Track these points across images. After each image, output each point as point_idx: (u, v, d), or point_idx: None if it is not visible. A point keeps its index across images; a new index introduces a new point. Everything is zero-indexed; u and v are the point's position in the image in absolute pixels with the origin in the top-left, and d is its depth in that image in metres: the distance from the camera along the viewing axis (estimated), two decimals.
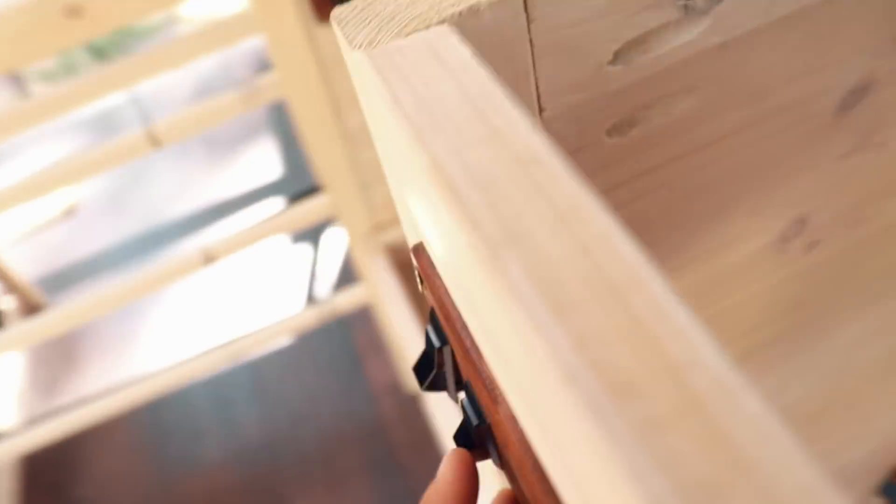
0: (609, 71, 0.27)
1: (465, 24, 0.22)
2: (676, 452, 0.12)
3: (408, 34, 0.21)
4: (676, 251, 0.37)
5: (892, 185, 0.43)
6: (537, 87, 0.25)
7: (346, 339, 1.56)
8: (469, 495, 0.25)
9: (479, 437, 0.25)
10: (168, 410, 1.50)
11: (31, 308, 1.66)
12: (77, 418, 1.27)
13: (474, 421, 0.24)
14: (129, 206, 1.91)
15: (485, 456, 0.26)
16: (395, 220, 1.18)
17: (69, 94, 0.88)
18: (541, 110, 0.26)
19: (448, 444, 1.36)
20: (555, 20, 0.24)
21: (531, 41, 0.24)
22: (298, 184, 1.84)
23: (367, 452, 1.39)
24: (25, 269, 1.77)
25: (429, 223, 0.20)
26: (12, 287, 1.63)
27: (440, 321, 0.25)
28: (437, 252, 0.21)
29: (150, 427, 1.48)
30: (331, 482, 1.36)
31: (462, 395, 0.25)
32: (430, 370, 0.27)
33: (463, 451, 0.26)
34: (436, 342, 0.26)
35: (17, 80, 2.28)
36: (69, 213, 1.91)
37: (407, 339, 1.04)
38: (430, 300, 0.26)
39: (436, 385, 0.28)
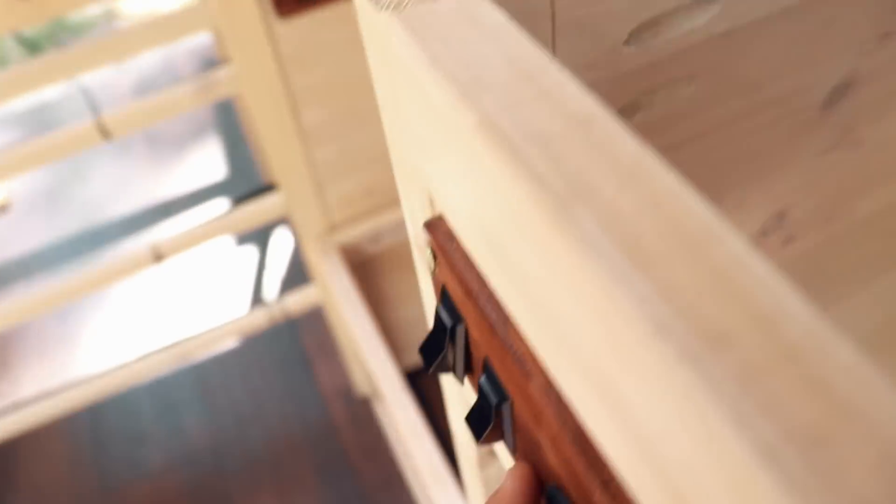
0: (622, 52, 0.27)
1: None
2: (778, 399, 0.12)
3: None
4: None
5: (866, 183, 0.44)
6: None
7: (294, 341, 1.53)
8: None
9: (496, 417, 0.24)
10: (109, 416, 1.44)
11: None
12: (10, 424, 1.21)
13: (493, 400, 0.24)
14: (67, 203, 1.83)
15: (497, 438, 0.25)
16: (349, 221, 1.16)
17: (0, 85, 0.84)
18: None
19: (399, 449, 1.35)
20: None
21: (553, 16, 0.24)
22: (244, 185, 1.80)
23: (317, 456, 1.37)
24: None
25: (467, 189, 0.20)
26: None
27: (454, 300, 0.25)
28: (473, 220, 0.20)
29: (89, 433, 1.42)
30: (280, 486, 1.33)
31: (481, 376, 0.25)
32: (440, 351, 0.26)
33: (527, 465, 0.25)
34: (448, 322, 0.25)
35: None
36: (1, 209, 1.83)
37: (362, 340, 1.03)
38: (444, 278, 0.25)
39: (443, 367, 0.27)
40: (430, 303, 0.33)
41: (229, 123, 1.96)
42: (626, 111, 0.30)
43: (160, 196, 1.81)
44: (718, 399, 0.12)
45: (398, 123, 0.24)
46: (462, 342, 0.25)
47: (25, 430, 1.24)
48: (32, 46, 2.27)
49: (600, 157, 0.16)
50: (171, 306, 1.59)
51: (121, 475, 1.36)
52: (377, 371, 0.99)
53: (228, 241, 1.69)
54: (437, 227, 0.24)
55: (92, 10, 2.32)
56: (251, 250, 1.68)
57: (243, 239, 1.70)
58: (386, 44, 0.22)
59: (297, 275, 1.62)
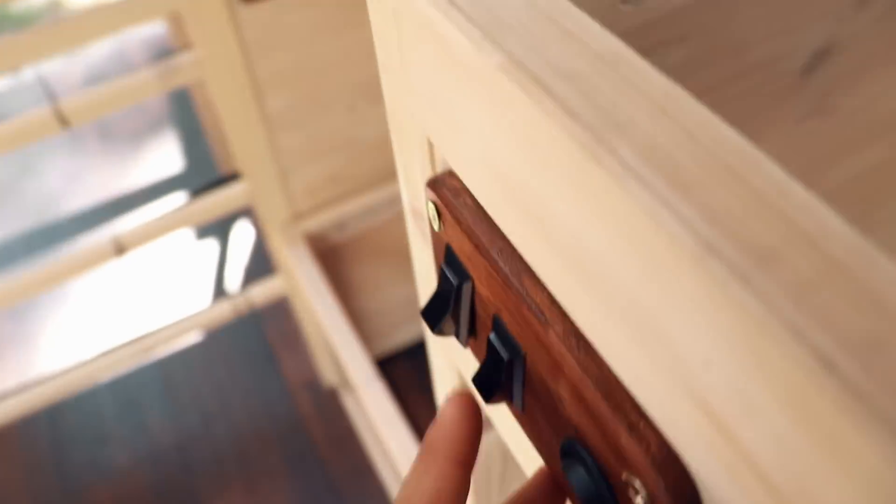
0: (621, 10, 0.27)
1: None
2: (831, 311, 0.12)
3: None
4: None
5: (838, 151, 0.46)
6: None
7: (257, 334, 1.51)
8: (474, 436, 0.24)
9: (507, 373, 0.24)
10: (68, 417, 1.41)
11: None
12: None
13: (505, 356, 0.24)
14: (18, 199, 1.78)
15: (504, 398, 0.25)
16: (314, 209, 1.15)
17: None
18: None
19: (368, 438, 1.34)
20: None
21: None
22: (202, 178, 1.77)
23: (285, 449, 1.36)
24: None
25: (485, 136, 0.19)
26: None
27: (460, 258, 0.25)
28: (489, 169, 0.20)
29: (48, 436, 1.39)
30: (249, 481, 1.31)
31: (490, 334, 0.24)
32: (444, 312, 0.26)
33: (466, 391, 0.25)
34: (454, 281, 0.25)
35: None
36: None
37: (331, 328, 1.02)
38: (449, 237, 0.25)
39: (446, 328, 0.27)
40: (424, 270, 0.33)
41: (185, 116, 1.92)
42: None
43: (116, 190, 1.77)
44: (773, 314, 0.12)
45: (403, 81, 0.24)
46: (468, 301, 0.25)
47: None
48: None
49: (631, 93, 0.16)
50: (131, 302, 1.56)
51: (83, 477, 1.33)
52: (348, 359, 0.98)
53: (188, 235, 1.66)
54: (442, 184, 0.24)
55: (36, 1, 2.25)
56: (211, 244, 1.65)
57: (203, 232, 1.67)
58: None
59: (259, 266, 1.60)
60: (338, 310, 1.04)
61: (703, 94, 0.35)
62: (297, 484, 1.31)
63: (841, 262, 0.13)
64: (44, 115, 0.84)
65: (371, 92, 1.05)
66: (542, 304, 0.21)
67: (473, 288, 0.25)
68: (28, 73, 2.02)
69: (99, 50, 2.09)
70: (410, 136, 0.26)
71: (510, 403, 0.26)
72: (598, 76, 0.16)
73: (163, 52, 2.05)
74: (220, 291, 1.57)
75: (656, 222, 0.14)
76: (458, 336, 0.27)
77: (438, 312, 0.26)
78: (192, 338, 1.50)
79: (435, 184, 0.24)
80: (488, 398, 0.25)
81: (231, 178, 1.58)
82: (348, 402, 1.39)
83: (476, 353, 0.28)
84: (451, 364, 0.37)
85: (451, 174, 0.24)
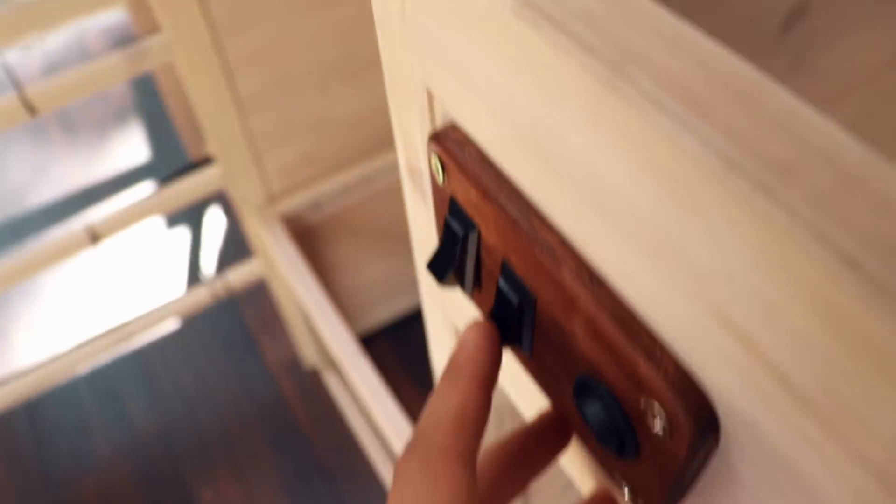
0: None
1: None
2: (851, 216, 0.13)
3: None
4: None
5: (815, 108, 0.47)
6: None
7: (235, 319, 1.51)
8: (495, 360, 0.25)
9: (516, 318, 0.25)
10: (48, 410, 1.39)
11: None
12: None
13: (515, 300, 0.24)
14: None
15: (514, 344, 0.26)
16: (289, 191, 1.15)
17: None
18: None
19: (352, 416, 1.35)
20: None
21: None
22: (170, 166, 1.75)
23: (270, 432, 1.36)
24: None
25: (496, 82, 0.20)
26: None
27: (466, 208, 0.25)
28: (499, 115, 0.21)
29: (28, 430, 1.37)
30: (235, 465, 1.31)
31: (499, 280, 0.25)
32: (450, 263, 0.27)
33: (487, 322, 0.26)
34: (459, 231, 0.26)
35: None
36: None
37: (313, 308, 1.02)
38: (453, 188, 0.25)
39: (452, 279, 0.28)
40: (421, 230, 0.33)
41: (150, 105, 1.89)
42: None
43: (84, 181, 1.75)
44: (797, 221, 0.13)
45: (403, 35, 0.25)
46: (474, 250, 0.26)
47: None
48: None
49: (644, 29, 0.17)
50: (106, 293, 1.54)
51: (66, 470, 1.32)
52: (331, 337, 0.99)
53: (159, 224, 1.65)
54: (445, 137, 0.25)
55: None
56: (183, 232, 1.64)
57: (174, 221, 1.66)
58: None
59: (233, 252, 1.59)
60: (318, 289, 1.04)
61: None
62: (283, 466, 1.32)
63: (855, 174, 0.14)
64: (10, 102, 0.83)
65: (343, 71, 1.05)
66: (553, 243, 0.21)
67: (479, 238, 0.25)
68: None
69: (57, 39, 2.05)
70: (410, 92, 0.26)
71: (518, 349, 0.27)
72: (609, 14, 0.17)
73: (123, 41, 2.02)
74: (195, 279, 1.56)
75: (679, 145, 0.14)
76: (463, 287, 0.28)
77: (444, 264, 0.27)
78: (170, 325, 1.49)
79: (438, 137, 0.25)
80: (500, 344, 0.26)
81: (202, 163, 1.56)
82: (331, 382, 1.40)
83: (480, 304, 0.28)
84: (449, 323, 0.38)
85: (453, 127, 0.25)
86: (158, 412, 1.38)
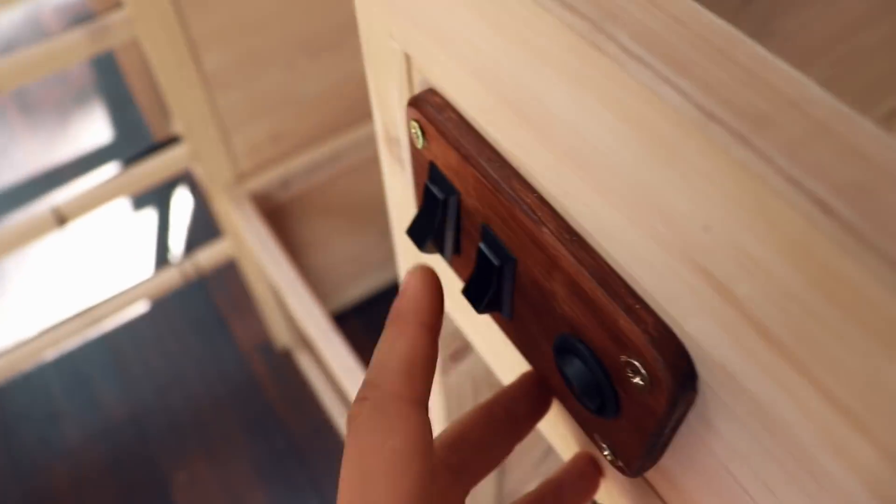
0: None
1: None
2: (823, 164, 0.14)
3: None
4: None
5: None
6: None
7: (205, 301, 1.50)
8: (438, 303, 0.25)
9: (496, 283, 0.25)
10: (15, 398, 1.37)
11: None
12: None
13: (496, 262, 0.25)
14: None
15: (494, 307, 0.27)
16: (257, 169, 1.14)
17: None
18: None
19: (325, 396, 1.35)
20: None
21: None
22: (134, 147, 1.72)
23: (243, 413, 1.36)
24: None
25: (476, 46, 0.20)
26: None
27: (445, 173, 0.26)
28: (479, 79, 0.21)
29: None
30: (209, 448, 1.31)
31: (479, 244, 0.26)
32: (430, 229, 0.27)
33: (427, 265, 0.26)
34: (439, 196, 0.26)
35: None
36: None
37: (285, 286, 1.02)
38: (433, 154, 0.26)
39: (431, 244, 0.28)
40: (398, 197, 0.33)
41: (111, 84, 1.86)
42: None
43: (45, 164, 1.71)
44: (772, 169, 0.14)
45: (383, 1, 0.25)
46: (454, 215, 0.26)
47: None
48: None
49: None
50: (72, 277, 1.52)
51: (36, 457, 1.30)
52: (303, 315, 0.99)
53: (125, 206, 1.62)
54: (424, 102, 0.25)
55: None
56: (150, 214, 1.62)
57: (141, 202, 1.63)
58: None
59: (200, 233, 1.57)
60: (289, 267, 1.03)
61: None
62: (257, 447, 1.32)
63: (826, 124, 0.14)
64: None
65: (311, 47, 1.04)
66: (533, 204, 0.22)
67: (459, 202, 0.26)
68: None
69: (10, 17, 2.00)
70: (388, 58, 0.26)
71: (497, 314, 0.28)
72: None
73: (79, 19, 1.97)
74: (163, 260, 1.54)
75: (659, 97, 0.15)
76: (443, 253, 0.28)
77: (424, 230, 0.27)
78: (139, 308, 1.47)
79: (417, 102, 0.25)
80: (479, 306, 0.26)
81: (168, 143, 1.54)
82: (303, 362, 1.40)
83: (460, 270, 0.29)
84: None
85: (432, 91, 0.25)
86: (129, 396, 1.37)
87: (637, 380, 0.20)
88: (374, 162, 1.20)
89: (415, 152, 0.27)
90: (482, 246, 0.25)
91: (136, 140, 1.73)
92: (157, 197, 1.64)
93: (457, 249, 0.28)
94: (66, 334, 1.18)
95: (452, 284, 0.32)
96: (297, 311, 1.00)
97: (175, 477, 1.28)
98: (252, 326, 1.45)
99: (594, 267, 0.20)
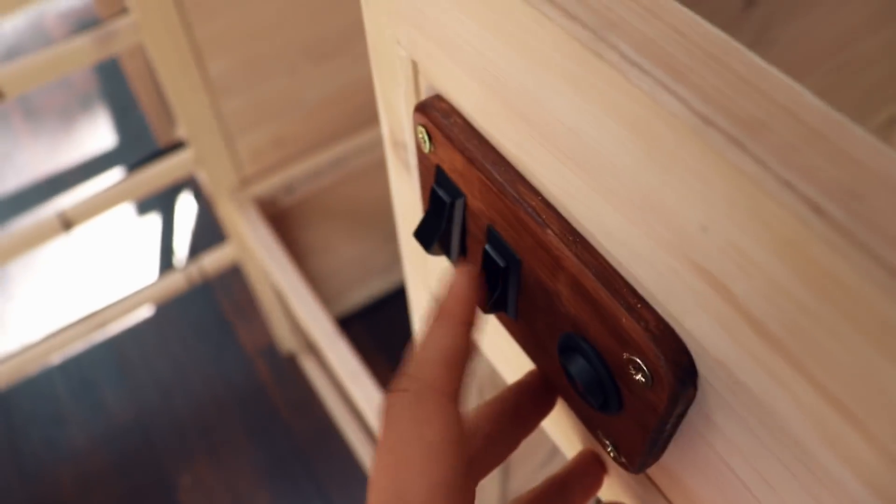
0: None
1: None
2: (815, 168, 0.14)
3: None
4: None
5: None
6: None
7: (210, 305, 1.50)
8: (477, 308, 0.26)
9: (502, 284, 0.26)
10: (21, 401, 1.38)
11: None
12: None
13: (502, 264, 0.25)
14: None
15: (500, 308, 0.27)
16: (261, 174, 1.14)
17: None
18: None
19: (330, 399, 1.36)
20: None
21: None
22: (139, 152, 1.73)
23: (247, 417, 1.36)
24: None
25: (482, 54, 0.21)
26: None
27: (452, 177, 0.26)
28: (485, 85, 0.22)
29: (2, 420, 1.36)
30: (213, 452, 1.32)
31: (485, 245, 0.26)
32: (437, 231, 0.28)
33: (473, 266, 0.26)
34: (446, 199, 0.27)
35: None
36: None
37: (290, 290, 1.02)
38: (440, 158, 0.26)
39: (437, 246, 0.29)
40: (405, 201, 0.34)
41: (115, 90, 1.87)
42: None
43: (50, 169, 1.72)
44: (767, 172, 0.14)
45: (389, 9, 0.25)
46: (460, 217, 0.27)
47: None
48: None
49: None
50: (77, 282, 1.53)
51: (42, 460, 1.31)
52: (308, 319, 0.99)
53: (130, 209, 1.63)
54: (431, 107, 0.26)
55: None
56: (155, 218, 1.63)
57: (145, 206, 1.64)
58: None
59: (205, 238, 1.58)
60: (294, 271, 1.04)
61: None
62: (261, 451, 1.32)
63: (818, 130, 0.15)
64: None
65: (314, 53, 1.05)
66: (537, 207, 0.22)
67: (465, 205, 0.26)
68: None
69: (13, 24, 2.01)
70: (395, 65, 0.27)
71: (503, 315, 0.28)
72: None
73: (82, 25, 1.98)
74: (168, 265, 1.55)
75: (658, 104, 0.16)
76: (449, 255, 0.29)
77: (431, 232, 0.28)
78: (144, 313, 1.48)
79: (424, 107, 0.26)
80: (487, 308, 0.27)
81: (172, 148, 1.54)
82: (307, 366, 1.40)
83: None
84: (433, 294, 0.39)
85: (438, 98, 0.26)
86: (134, 400, 1.38)
87: (639, 376, 0.21)
88: (377, 166, 1.21)
89: (421, 156, 0.28)
90: (488, 248, 0.26)
91: (140, 145, 1.74)
92: (162, 202, 1.64)
93: (463, 251, 0.29)
94: (72, 338, 1.18)
95: None
96: (302, 316, 1.00)
97: (180, 480, 1.28)
98: (257, 331, 1.45)
99: (597, 267, 0.21)
